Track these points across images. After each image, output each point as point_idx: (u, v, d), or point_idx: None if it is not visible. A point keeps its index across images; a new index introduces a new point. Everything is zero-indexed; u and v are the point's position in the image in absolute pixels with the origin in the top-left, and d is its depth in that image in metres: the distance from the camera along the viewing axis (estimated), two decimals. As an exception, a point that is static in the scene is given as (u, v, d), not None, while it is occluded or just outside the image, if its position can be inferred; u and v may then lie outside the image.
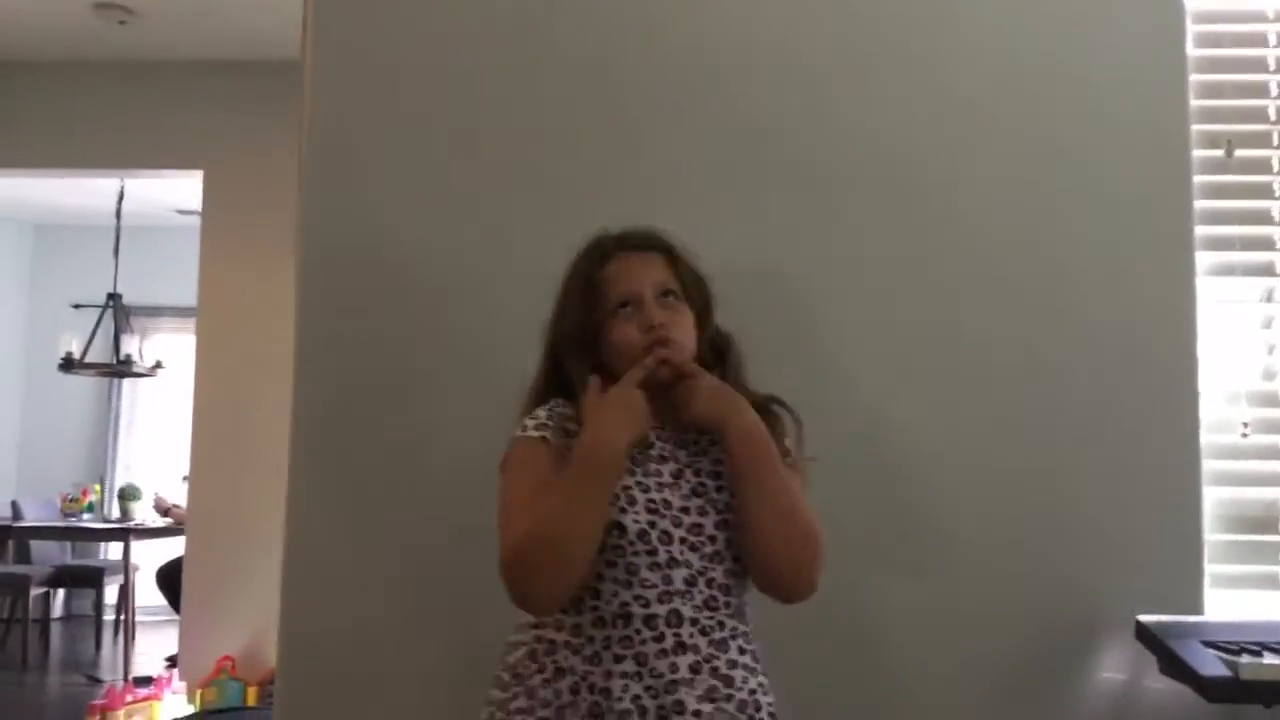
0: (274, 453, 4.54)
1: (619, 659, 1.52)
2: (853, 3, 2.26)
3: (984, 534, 2.14)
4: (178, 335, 7.45)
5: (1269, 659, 1.77)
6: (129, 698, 4.41)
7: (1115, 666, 2.11)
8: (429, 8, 2.30)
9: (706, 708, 1.50)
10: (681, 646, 1.52)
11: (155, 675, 4.91)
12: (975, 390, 2.17)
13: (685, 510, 1.57)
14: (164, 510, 6.46)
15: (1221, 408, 2.18)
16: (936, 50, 2.24)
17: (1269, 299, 2.22)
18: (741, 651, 1.57)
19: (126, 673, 5.63)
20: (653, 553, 1.53)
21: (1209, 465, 2.15)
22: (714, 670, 1.53)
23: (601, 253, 1.69)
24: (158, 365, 6.76)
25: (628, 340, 1.62)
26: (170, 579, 5.65)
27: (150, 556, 6.66)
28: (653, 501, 1.56)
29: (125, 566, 6.36)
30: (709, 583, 1.55)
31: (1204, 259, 2.19)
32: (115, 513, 6.78)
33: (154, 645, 6.39)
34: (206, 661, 4.74)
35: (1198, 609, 2.11)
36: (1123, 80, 2.20)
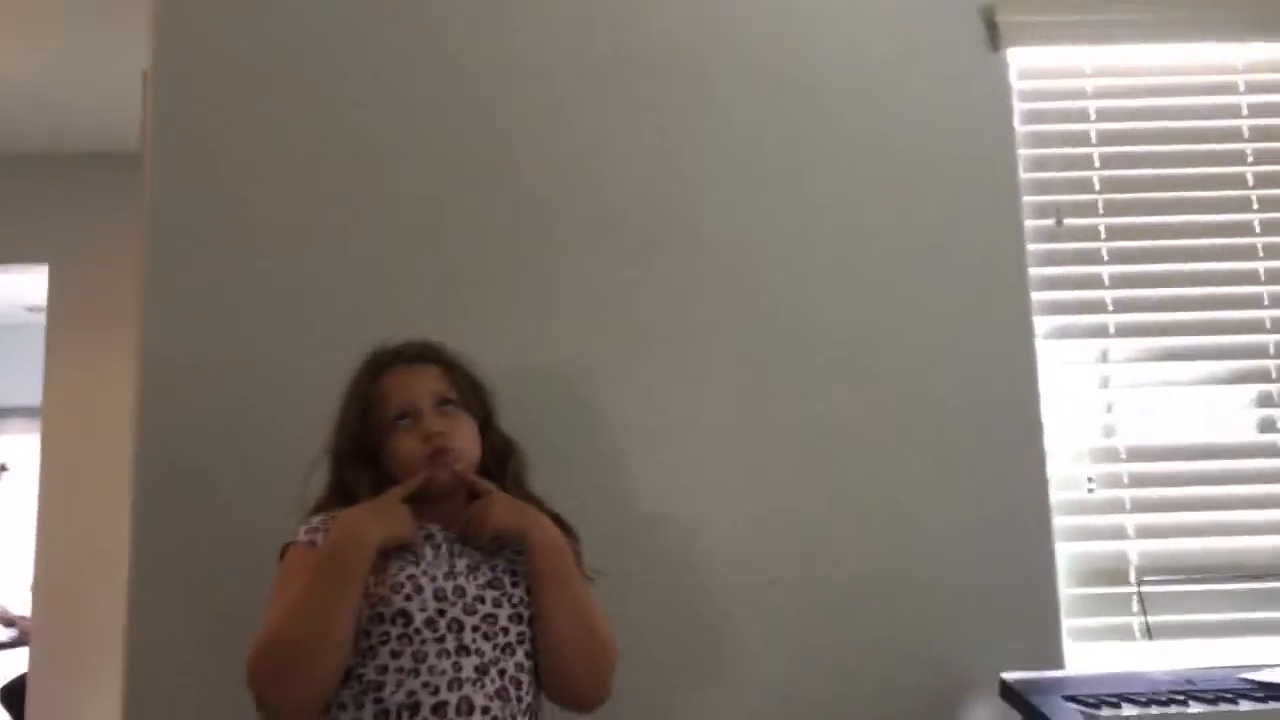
0: (122, 560, 4.38)
1: None
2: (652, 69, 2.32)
3: (845, 598, 2.15)
4: (25, 436, 7.08)
5: (1127, 710, 1.81)
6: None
7: (985, 727, 2.14)
8: (269, 104, 2.28)
9: None
10: None
11: (-1, 802, 4.58)
12: (822, 460, 2.20)
13: (480, 600, 1.57)
14: (8, 622, 6.08)
15: (1067, 465, 2.25)
16: (765, 123, 2.31)
17: (1104, 359, 2.31)
18: None
19: (-33, 800, 5.22)
20: (441, 640, 1.52)
21: (1059, 521, 2.21)
22: None
23: (377, 367, 1.74)
24: (2, 468, 6.42)
25: (408, 452, 1.65)
26: (13, 697, 5.29)
27: (-5, 674, 6.24)
28: (442, 590, 1.56)
29: (-34, 684, 5.93)
30: (501, 673, 1.54)
31: (1041, 324, 2.27)
32: (-44, 627, 6.35)
33: (-2, 769, 5.95)
34: (55, 783, 4.44)
35: (1059, 663, 2.15)
36: (957, 157, 2.30)
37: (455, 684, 1.51)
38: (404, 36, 2.31)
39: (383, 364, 1.74)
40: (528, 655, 1.59)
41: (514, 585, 1.61)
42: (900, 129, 2.31)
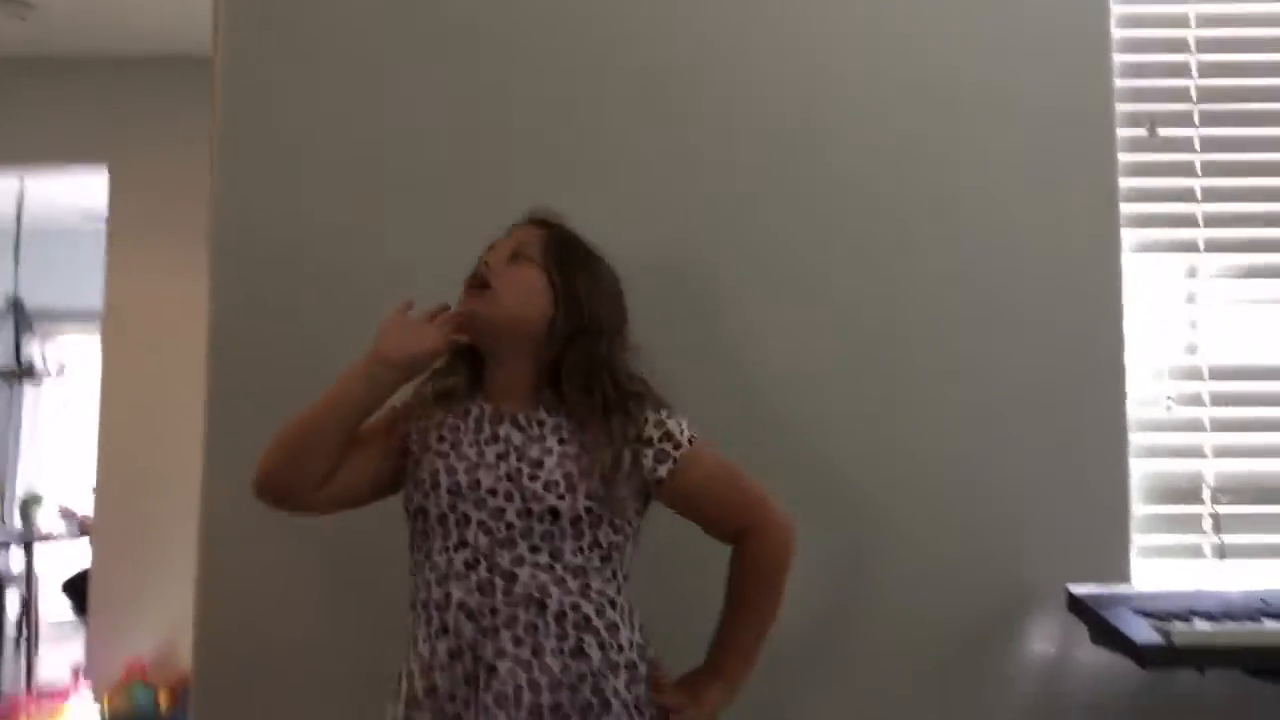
0: (182, 458, 4.42)
1: (410, 642, 1.57)
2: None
3: (914, 508, 2.14)
4: (81, 340, 7.19)
5: (1199, 625, 1.79)
6: (32, 708, 4.22)
7: (1046, 638, 2.13)
8: (344, 5, 2.25)
9: (462, 691, 1.50)
10: (444, 630, 1.52)
11: (61, 685, 4.72)
12: (904, 369, 2.18)
13: (493, 493, 1.55)
14: (69, 515, 6.23)
15: (1147, 382, 2.21)
16: (859, 48, 2.25)
17: (1192, 275, 2.25)
18: (517, 642, 1.51)
19: (30, 682, 5.40)
20: (447, 536, 1.55)
21: (1135, 438, 2.18)
22: (476, 658, 1.50)
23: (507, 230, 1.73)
24: (61, 370, 6.52)
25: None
26: (76, 587, 5.45)
27: (55, 567, 6.41)
28: (457, 484, 1.56)
29: (28, 576, 6.10)
30: (491, 567, 1.52)
31: (1129, 236, 2.21)
32: (17, 521, 6.51)
33: (60, 656, 6.14)
34: (115, 668, 4.57)
35: (1125, 579, 2.13)
36: (1050, 60, 2.22)
37: (443, 579, 1.54)
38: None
39: (511, 227, 1.73)
40: (533, 548, 1.54)
41: (532, 479, 1.56)
42: (990, 30, 2.24)
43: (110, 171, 4.96)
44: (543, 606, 1.52)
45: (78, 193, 6.39)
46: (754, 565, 1.66)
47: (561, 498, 1.54)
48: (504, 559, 1.53)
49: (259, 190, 2.22)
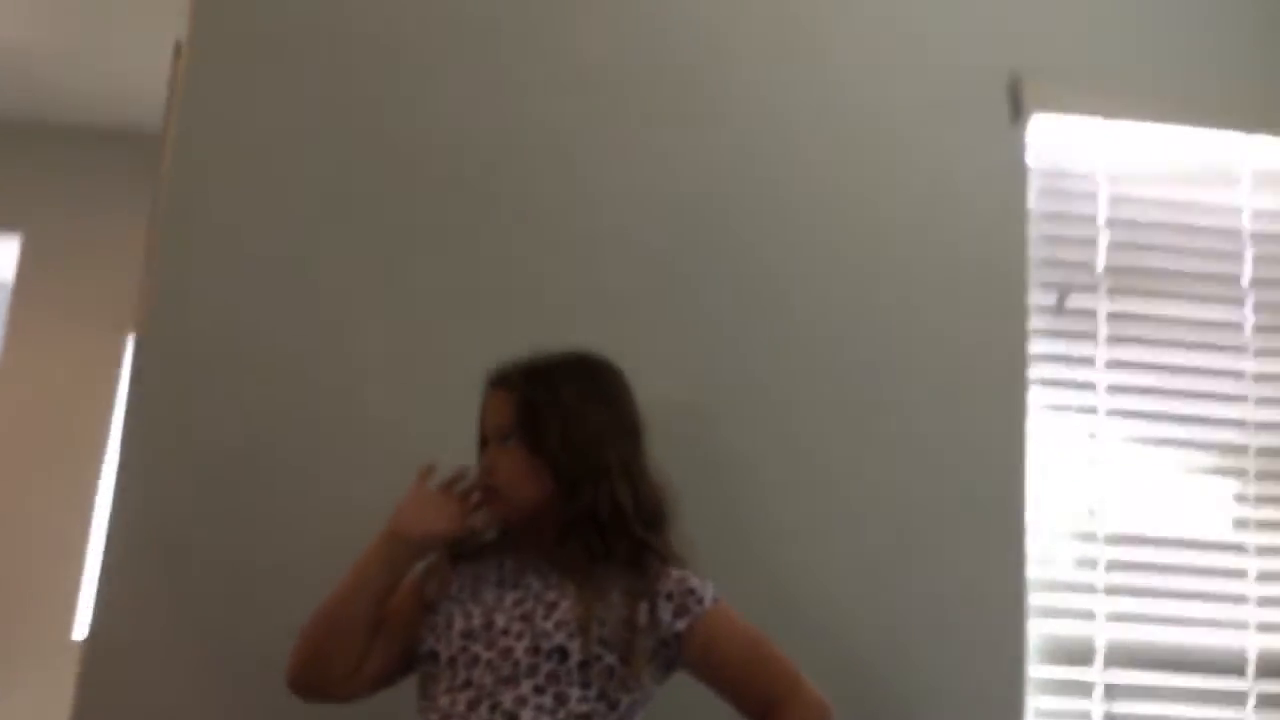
0: (60, 546, 4.21)
1: None
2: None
3: (815, 653, 2.09)
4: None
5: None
6: None
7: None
8: (302, 90, 2.25)
9: None
10: None
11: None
12: (817, 508, 2.18)
13: (505, 632, 1.53)
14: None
15: (1047, 542, 2.25)
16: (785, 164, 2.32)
17: (1093, 438, 2.32)
18: None
19: None
20: (454, 677, 1.52)
21: (1034, 598, 2.21)
22: None
23: (484, 387, 1.71)
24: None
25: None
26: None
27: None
28: (471, 627, 1.55)
29: None
30: (493, 707, 1.48)
31: (1035, 398, 2.28)
32: None
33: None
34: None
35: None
36: (969, 225, 2.32)
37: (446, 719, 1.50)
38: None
39: (484, 386, 1.71)
40: (538, 689, 1.49)
41: (545, 618, 1.54)
42: (917, 189, 2.33)
43: (23, 239, 4.78)
44: None
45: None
46: None
47: (572, 637, 1.50)
48: (506, 698, 1.48)
49: (198, 277, 2.16)
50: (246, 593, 2.03)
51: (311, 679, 1.57)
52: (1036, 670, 2.19)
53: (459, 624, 1.55)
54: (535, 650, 1.50)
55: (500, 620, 1.54)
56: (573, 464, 1.59)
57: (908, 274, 2.29)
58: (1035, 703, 2.18)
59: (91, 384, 4.32)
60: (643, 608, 1.54)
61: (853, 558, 2.17)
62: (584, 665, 1.50)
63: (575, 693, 1.50)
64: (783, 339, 2.24)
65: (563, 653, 1.50)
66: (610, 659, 1.51)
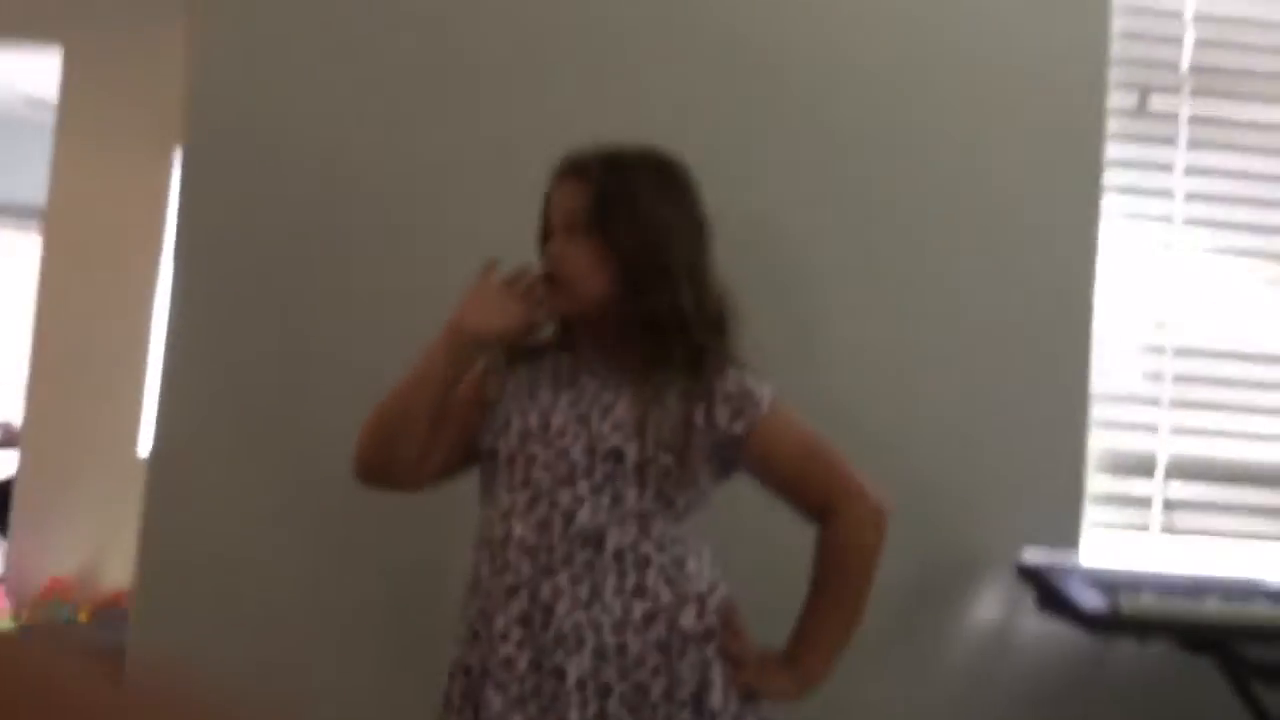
0: (117, 369, 4.31)
1: (476, 581, 1.55)
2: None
3: (874, 465, 2.10)
4: (11, 235, 6.91)
5: (1145, 598, 1.80)
6: (-55, 616, 4.11)
7: (992, 602, 2.12)
8: None
9: (517, 632, 1.48)
10: (505, 566, 1.50)
11: (-25, 598, 4.60)
12: (874, 325, 2.14)
13: (561, 434, 1.52)
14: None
15: (1113, 354, 2.19)
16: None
17: (1167, 249, 2.23)
18: (574, 581, 1.48)
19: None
20: (513, 475, 1.53)
21: (1096, 410, 2.17)
22: (532, 596, 1.47)
23: (552, 178, 1.62)
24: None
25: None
26: (-2, 497, 5.29)
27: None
28: (528, 425, 1.54)
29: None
30: (551, 505, 1.49)
31: (1110, 203, 2.19)
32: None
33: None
34: (35, 584, 4.45)
35: (1075, 549, 2.13)
36: (1049, 18, 2.18)
37: (506, 515, 1.52)
38: None
39: (555, 172, 1.61)
40: (595, 489, 1.49)
41: (602, 419, 1.52)
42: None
43: (64, 52, 4.70)
44: (600, 545, 1.48)
45: (22, 75, 6.11)
46: (835, 547, 1.57)
47: (628, 439, 1.49)
48: (564, 497, 1.49)
49: (238, 82, 2.11)
50: (305, 400, 2.04)
51: (377, 465, 1.56)
52: (1095, 482, 2.16)
53: (516, 424, 1.54)
54: (591, 451, 1.50)
55: (557, 421, 1.53)
56: (642, 262, 1.54)
57: (981, 72, 2.18)
58: (1094, 514, 2.15)
59: (142, 197, 4.31)
60: (700, 409, 1.52)
61: (916, 368, 2.14)
62: (640, 466, 1.49)
63: (632, 493, 1.50)
64: (854, 146, 2.16)
65: (619, 454, 1.49)
66: (667, 460, 1.50)
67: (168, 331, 2.09)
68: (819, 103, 2.16)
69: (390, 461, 1.55)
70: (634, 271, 1.53)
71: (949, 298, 2.14)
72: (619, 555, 1.48)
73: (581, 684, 1.45)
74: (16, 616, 4.37)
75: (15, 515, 4.74)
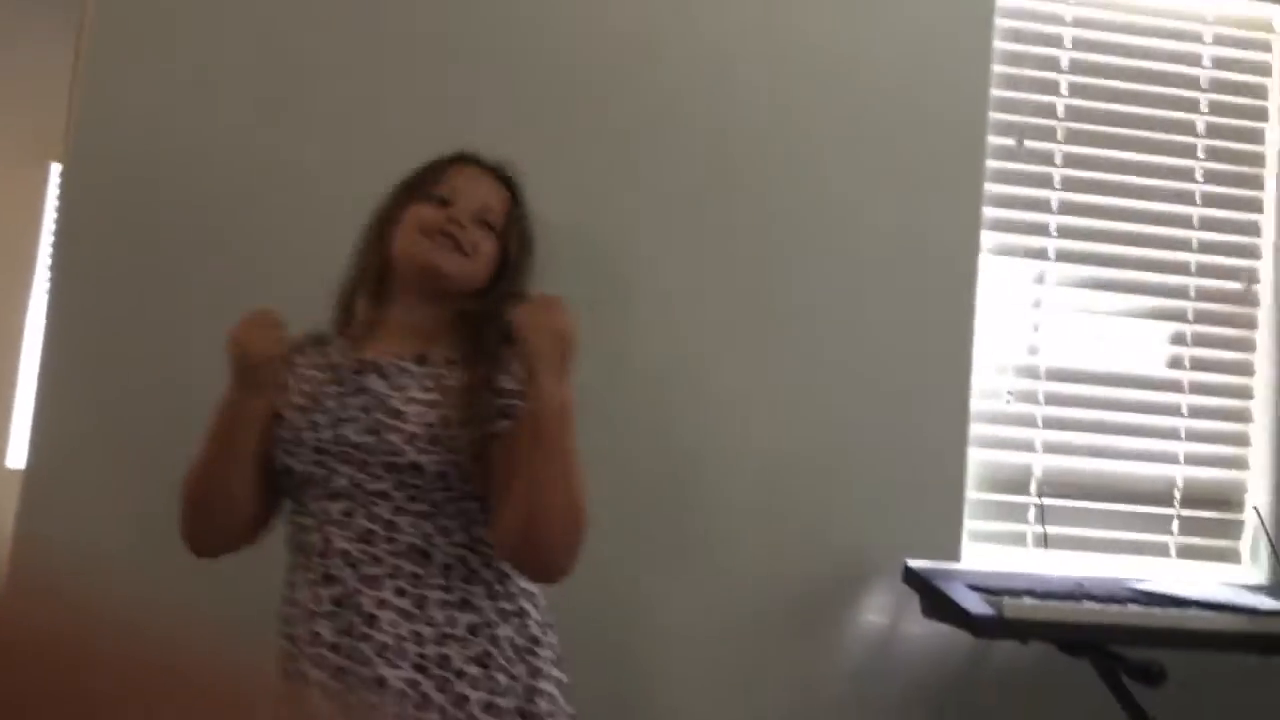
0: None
1: (292, 586, 1.50)
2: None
3: (758, 479, 2.22)
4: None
5: (1027, 601, 1.91)
6: None
7: (878, 609, 2.23)
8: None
9: (344, 642, 1.43)
10: (327, 578, 1.45)
11: None
12: (763, 346, 2.24)
13: (357, 447, 1.47)
14: None
15: (990, 377, 2.35)
16: (768, 49, 2.30)
17: (1040, 281, 2.40)
18: (400, 593, 1.44)
19: None
20: (318, 486, 1.48)
21: (974, 429, 2.31)
22: (357, 607, 1.43)
23: (456, 157, 1.64)
24: None
25: (419, 217, 1.56)
26: None
27: None
28: (320, 440, 1.48)
29: None
30: (370, 517, 1.46)
31: (988, 239, 2.34)
32: None
33: None
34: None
35: (956, 560, 2.25)
36: (932, 64, 2.33)
37: (321, 525, 1.47)
38: None
39: (461, 157, 1.64)
40: (410, 498, 1.47)
41: (394, 431, 1.47)
42: (885, 28, 2.33)
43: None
44: (427, 556, 1.46)
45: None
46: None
47: (423, 452, 1.46)
48: (383, 510, 1.46)
49: (123, 102, 2.10)
50: (182, 415, 2.01)
51: (214, 544, 1.54)
52: (975, 495, 2.30)
53: (308, 437, 1.50)
54: (394, 467, 1.48)
55: (350, 433, 1.49)
56: (515, 278, 1.60)
57: (869, 107, 2.30)
58: (974, 525, 2.30)
59: (15, 212, 4.19)
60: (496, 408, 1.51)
61: (799, 388, 2.24)
62: (441, 475, 1.48)
63: (440, 495, 1.49)
64: (740, 174, 2.26)
65: (417, 468, 1.47)
66: (464, 461, 1.48)
67: (44, 342, 2.06)
68: (701, 134, 2.26)
69: (225, 533, 1.53)
70: (506, 282, 1.60)
71: (840, 326, 2.26)
72: (446, 569, 1.48)
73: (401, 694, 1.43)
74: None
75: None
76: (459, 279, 1.56)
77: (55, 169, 3.92)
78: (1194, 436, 2.41)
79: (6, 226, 4.23)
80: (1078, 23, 2.43)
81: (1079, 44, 2.43)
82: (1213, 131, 2.45)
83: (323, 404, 1.52)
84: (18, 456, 2.86)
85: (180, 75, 2.12)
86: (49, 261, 2.08)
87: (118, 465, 2.03)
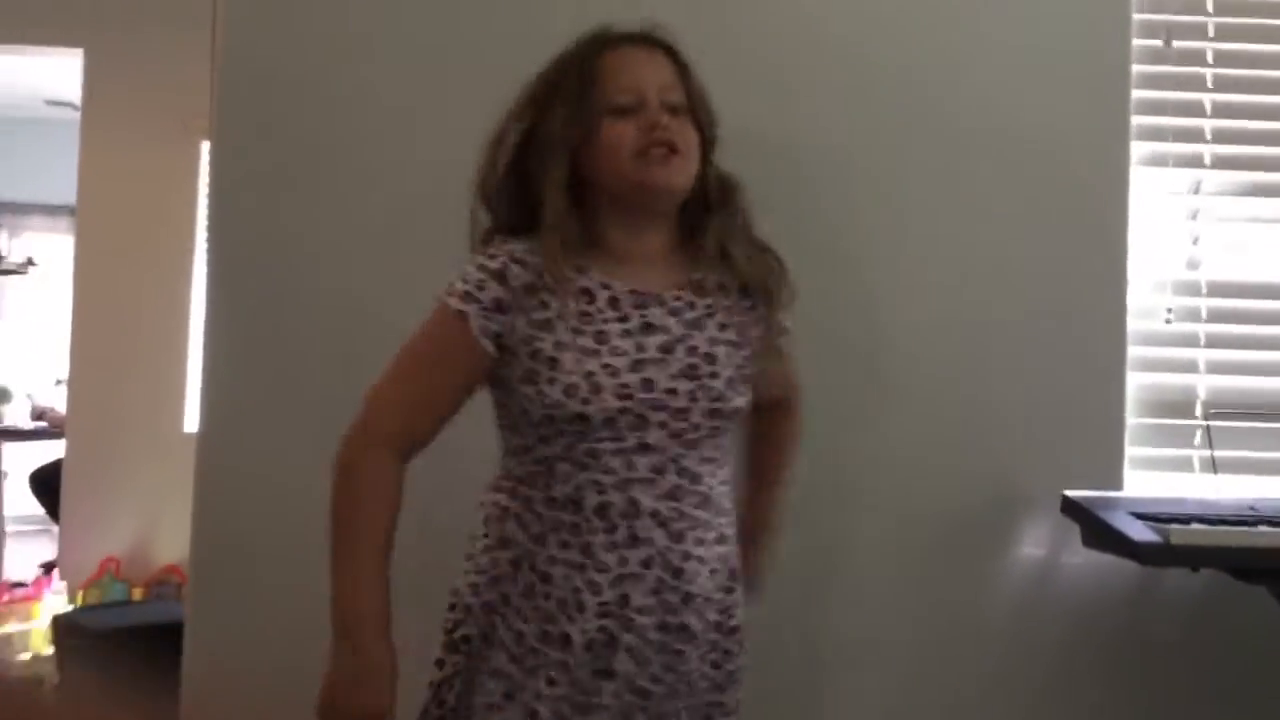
0: (157, 351, 4.41)
1: (564, 545, 1.39)
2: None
3: (914, 411, 2.16)
4: (46, 235, 7.05)
5: (1195, 527, 1.83)
6: (4, 598, 4.21)
7: (1037, 541, 2.17)
8: None
9: (651, 601, 1.38)
10: (634, 540, 1.37)
11: (28, 583, 4.69)
12: (908, 273, 2.17)
13: (671, 392, 1.38)
14: (38, 414, 6.15)
15: (1147, 295, 2.23)
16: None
17: (1197, 191, 2.26)
18: (699, 543, 1.41)
19: (-1, 576, 5.36)
20: (619, 439, 1.37)
21: (1133, 351, 2.20)
22: (666, 564, 1.38)
23: (599, 44, 1.45)
24: (29, 262, 6.40)
25: (622, 138, 1.39)
26: (45, 483, 5.38)
27: (21, 462, 6.33)
28: (625, 385, 1.36)
29: (-6, 472, 6.03)
30: (679, 471, 1.40)
31: (1138, 149, 2.21)
32: (-17, 418, 6.41)
33: (26, 554, 6.11)
34: (87, 565, 4.55)
35: (1118, 489, 2.17)
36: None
37: (624, 484, 1.38)
38: None
39: (606, 40, 1.45)
40: (714, 446, 1.44)
41: (712, 376, 1.41)
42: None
43: (85, 55, 4.78)
44: (709, 501, 1.43)
45: (41, 78, 6.19)
46: (784, 436, 1.74)
47: (743, 395, 1.44)
48: (691, 462, 1.41)
49: (264, 76, 2.14)
50: (345, 369, 2.07)
51: None
52: (1136, 420, 2.20)
53: (607, 382, 1.39)
54: (714, 414, 1.46)
55: (660, 378, 1.42)
56: (707, 150, 1.48)
57: (1010, 18, 2.19)
58: (1136, 451, 2.20)
59: (170, 189, 4.44)
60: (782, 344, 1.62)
61: (957, 311, 2.17)
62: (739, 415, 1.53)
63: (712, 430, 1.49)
64: (891, 89, 2.18)
65: (737, 412, 1.51)
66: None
67: (207, 311, 2.14)
68: (856, 43, 2.19)
69: None
70: (707, 169, 1.48)
71: (984, 246, 2.17)
72: (720, 511, 1.47)
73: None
74: (72, 599, 4.48)
75: (65, 500, 4.84)
76: (689, 184, 1.44)
77: (204, 146, 4.08)
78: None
79: (165, 205, 4.47)
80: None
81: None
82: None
83: (610, 342, 1.40)
84: (192, 421, 3.04)
85: (315, 38, 2.15)
86: (206, 234, 2.15)
87: (287, 427, 2.09)
